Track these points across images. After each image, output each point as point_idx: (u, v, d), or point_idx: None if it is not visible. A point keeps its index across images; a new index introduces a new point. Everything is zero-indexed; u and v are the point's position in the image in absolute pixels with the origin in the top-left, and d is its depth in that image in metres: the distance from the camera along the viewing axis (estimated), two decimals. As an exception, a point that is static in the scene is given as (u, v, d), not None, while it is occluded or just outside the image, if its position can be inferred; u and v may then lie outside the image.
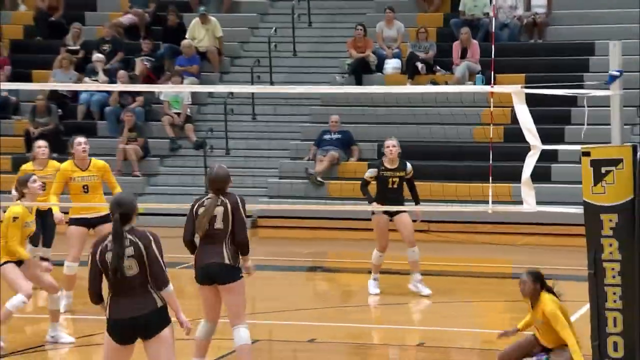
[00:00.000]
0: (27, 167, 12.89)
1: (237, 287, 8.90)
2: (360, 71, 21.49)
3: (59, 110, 21.27)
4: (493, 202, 9.74)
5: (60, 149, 20.08)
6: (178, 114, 21.15)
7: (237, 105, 21.44)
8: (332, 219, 18.48)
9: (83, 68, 21.92)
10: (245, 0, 24.02)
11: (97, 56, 21.83)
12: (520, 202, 8.92)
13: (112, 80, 20.98)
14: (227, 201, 8.91)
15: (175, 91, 20.88)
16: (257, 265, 15.00)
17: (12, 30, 23.41)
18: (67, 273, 12.22)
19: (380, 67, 21.77)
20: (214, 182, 9.05)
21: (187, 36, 22.30)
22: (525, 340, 9.24)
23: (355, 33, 21.83)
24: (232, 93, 20.85)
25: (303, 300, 14.02)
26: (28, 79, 21.68)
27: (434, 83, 20.69)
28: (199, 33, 22.36)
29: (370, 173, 13.02)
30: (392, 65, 21.77)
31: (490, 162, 10.93)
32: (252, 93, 21.20)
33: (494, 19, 21.41)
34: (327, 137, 20.24)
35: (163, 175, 20.77)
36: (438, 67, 21.45)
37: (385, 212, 12.88)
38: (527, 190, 8.98)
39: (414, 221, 13.29)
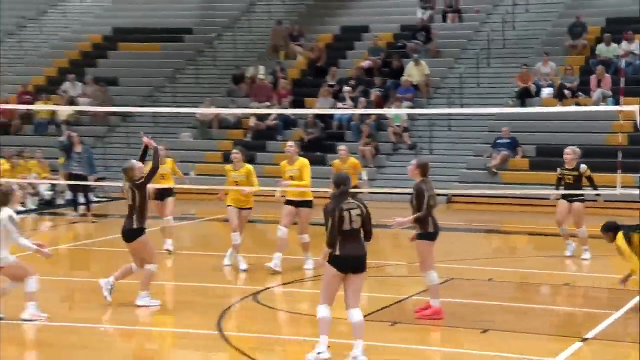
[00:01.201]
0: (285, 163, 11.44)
1: None
2: (525, 96, 20.95)
3: (322, 124, 21.68)
4: (621, 187, 9.38)
5: (322, 149, 20.61)
6: (399, 126, 21.17)
7: (438, 120, 21.28)
8: (503, 197, 18.11)
9: (337, 97, 22.23)
10: (444, 50, 23.76)
11: (346, 89, 22.10)
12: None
13: (356, 105, 21.22)
14: None
15: (395, 112, 20.87)
16: (452, 229, 14.94)
17: (293, 72, 24.01)
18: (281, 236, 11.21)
19: (538, 94, 21.15)
20: (428, 167, 8.63)
21: (405, 74, 22.29)
22: None
23: (521, 70, 21.33)
24: (434, 113, 20.82)
25: (484, 252, 13.80)
26: (303, 104, 22.14)
27: (578, 104, 19.95)
28: (413, 72, 22.33)
29: (557, 172, 12.25)
30: (547, 92, 21.13)
31: (619, 158, 10.45)
32: (449, 114, 20.99)
33: (623, 60, 20.54)
34: (500, 141, 19.92)
35: (389, 167, 20.86)
36: (580, 93, 20.64)
37: (566, 199, 12.12)
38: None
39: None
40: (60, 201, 18.85)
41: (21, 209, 17.85)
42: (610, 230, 9.12)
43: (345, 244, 7.10)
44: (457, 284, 10.71)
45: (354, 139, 21.34)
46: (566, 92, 20.58)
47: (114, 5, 28.62)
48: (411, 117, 21.68)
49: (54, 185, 18.51)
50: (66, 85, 23.71)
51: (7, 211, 8.32)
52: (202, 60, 25.24)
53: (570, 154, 12.12)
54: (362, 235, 7.22)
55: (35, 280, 8.50)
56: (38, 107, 22.09)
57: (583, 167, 12.07)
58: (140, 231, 8.95)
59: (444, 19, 24.72)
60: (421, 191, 8.49)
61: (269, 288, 10.24)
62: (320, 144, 21.16)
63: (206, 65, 25.07)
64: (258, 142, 21.81)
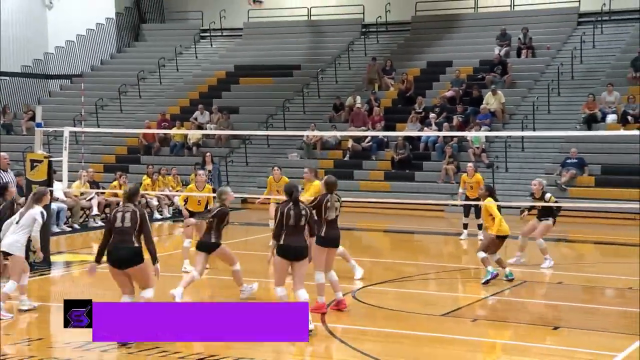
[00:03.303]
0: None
1: None
2: (591, 122, 20.32)
3: (410, 145, 21.59)
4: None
5: (410, 167, 20.49)
6: (477, 147, 20.87)
7: (512, 142, 20.88)
8: (571, 210, 17.47)
9: (424, 122, 22.10)
10: (519, 81, 23.35)
11: (431, 115, 21.95)
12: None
13: (440, 129, 21.04)
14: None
15: (474, 135, 20.57)
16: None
17: (386, 101, 24.00)
18: None
19: (603, 119, 20.48)
20: (333, 185, 8.62)
21: (483, 102, 21.97)
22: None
23: (588, 99, 20.72)
24: (509, 136, 20.45)
25: (554, 258, 13.35)
26: (394, 128, 22.07)
27: (639, 129, 19.21)
28: (491, 100, 21.97)
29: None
30: (611, 118, 20.42)
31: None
32: (522, 136, 20.59)
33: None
34: (569, 161, 19.36)
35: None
36: (642, 119, 19.91)
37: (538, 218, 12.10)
38: None
39: None
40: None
41: (158, 216, 18.51)
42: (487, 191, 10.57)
43: (290, 238, 7.67)
44: (530, 286, 10.50)
45: (438, 159, 21.17)
46: (629, 118, 19.89)
47: (235, 47, 29.37)
48: (489, 140, 21.31)
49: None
50: (196, 114, 24.46)
51: (39, 208, 8.40)
52: (308, 91, 25.59)
53: (537, 184, 11.83)
54: (304, 230, 7.75)
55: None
56: (173, 131, 22.85)
57: (547, 195, 11.84)
58: None
59: (519, 55, 24.29)
60: None
61: (365, 287, 10.26)
62: (408, 163, 21.09)
63: (311, 96, 25.40)
64: (355, 161, 21.92)
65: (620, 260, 12.25)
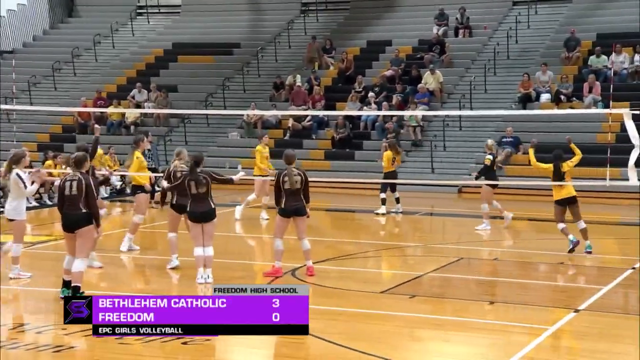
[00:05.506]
0: None
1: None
2: (526, 101, 20.73)
3: (350, 124, 21.64)
4: (610, 179, 9.24)
5: (350, 147, 20.54)
6: (415, 126, 21.06)
7: (450, 121, 21.16)
8: (507, 188, 17.86)
9: (363, 101, 22.16)
10: (456, 61, 23.60)
11: (371, 94, 22.02)
12: (627, 179, 8.43)
13: (379, 108, 21.13)
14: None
15: (411, 113, 20.75)
16: (462, 215, 14.85)
17: (326, 80, 23.94)
18: None
19: (538, 98, 20.91)
20: (288, 158, 9.20)
21: (422, 82, 22.15)
22: None
23: (523, 78, 21.09)
24: (447, 115, 20.69)
25: (490, 235, 13.62)
26: (334, 108, 22.07)
27: (572, 108, 19.73)
28: (429, 79, 22.17)
29: None
30: (545, 97, 20.88)
31: (608, 154, 10.31)
32: (460, 115, 20.87)
33: (612, 69, 20.26)
34: (504, 140, 19.74)
35: (410, 160, 20.76)
36: (574, 98, 20.39)
37: None
38: (631, 172, 8.50)
39: None
40: (127, 190, 19.04)
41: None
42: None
43: (195, 204, 8.81)
44: (466, 263, 10.66)
45: (377, 138, 21.30)
46: (562, 97, 20.37)
47: (173, 24, 28.81)
48: (427, 119, 21.55)
49: (123, 176, 18.70)
50: (134, 92, 23.94)
51: (14, 171, 8.87)
52: (248, 70, 25.34)
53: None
54: (209, 196, 8.81)
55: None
56: (110, 110, 22.33)
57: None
58: None
59: (456, 34, 24.55)
60: None
61: (305, 265, 10.25)
62: (349, 142, 21.15)
63: (251, 74, 25.16)
64: (296, 140, 21.86)
65: (553, 237, 12.57)
